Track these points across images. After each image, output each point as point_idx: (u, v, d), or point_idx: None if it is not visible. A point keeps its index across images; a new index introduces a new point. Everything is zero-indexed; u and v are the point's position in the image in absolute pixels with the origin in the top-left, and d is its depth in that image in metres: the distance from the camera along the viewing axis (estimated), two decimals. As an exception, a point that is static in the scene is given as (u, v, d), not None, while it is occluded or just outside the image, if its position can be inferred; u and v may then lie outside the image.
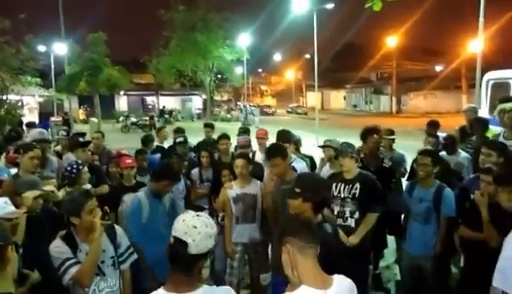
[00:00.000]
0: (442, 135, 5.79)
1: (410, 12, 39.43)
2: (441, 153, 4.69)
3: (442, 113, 34.19)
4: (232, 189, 4.11)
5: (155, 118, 29.19)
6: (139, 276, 3.08)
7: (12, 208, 2.58)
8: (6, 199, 2.59)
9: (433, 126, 6.07)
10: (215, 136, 6.16)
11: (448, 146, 5.03)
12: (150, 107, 37.82)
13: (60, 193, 3.42)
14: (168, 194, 3.79)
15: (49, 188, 3.28)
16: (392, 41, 39.96)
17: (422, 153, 3.89)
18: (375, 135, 4.88)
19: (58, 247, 2.55)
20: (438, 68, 43.00)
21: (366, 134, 4.86)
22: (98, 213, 2.66)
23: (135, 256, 2.92)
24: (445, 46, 38.63)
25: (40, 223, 3.01)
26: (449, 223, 3.59)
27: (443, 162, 4.19)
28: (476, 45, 16.26)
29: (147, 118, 29.17)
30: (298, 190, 2.64)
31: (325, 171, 4.79)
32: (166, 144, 6.55)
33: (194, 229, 1.70)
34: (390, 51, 40.89)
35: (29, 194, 2.87)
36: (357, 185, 3.78)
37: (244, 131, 5.95)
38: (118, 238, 2.83)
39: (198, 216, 1.77)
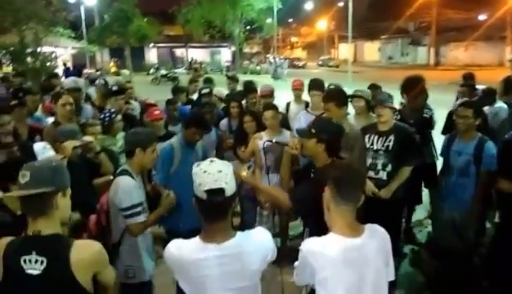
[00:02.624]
0: (481, 87, 5.51)
1: (454, -45, 36.40)
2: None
3: (482, 65, 32.38)
4: (262, 140, 4.09)
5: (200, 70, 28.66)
6: (172, 218, 3.15)
7: (52, 153, 2.67)
8: (45, 144, 2.68)
9: (469, 78, 5.90)
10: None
11: (487, 98, 4.80)
12: (194, 60, 36.63)
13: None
14: (199, 143, 3.82)
15: (88, 138, 3.37)
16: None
17: (463, 104, 3.69)
18: (419, 86, 4.57)
19: (135, 187, 2.58)
20: (482, 17, 40.13)
21: (411, 85, 4.44)
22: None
23: None
24: (490, -8, 35.71)
25: (80, 169, 3.13)
26: (489, 177, 3.46)
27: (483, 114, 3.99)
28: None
29: (176, 71, 29.14)
30: (313, 131, 2.67)
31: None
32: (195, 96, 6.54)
33: (220, 173, 1.69)
34: (430, -1, 38.35)
35: (69, 144, 2.96)
36: (392, 138, 3.66)
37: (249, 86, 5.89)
38: None
39: (211, 161, 1.76)
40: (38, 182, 1.66)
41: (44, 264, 1.64)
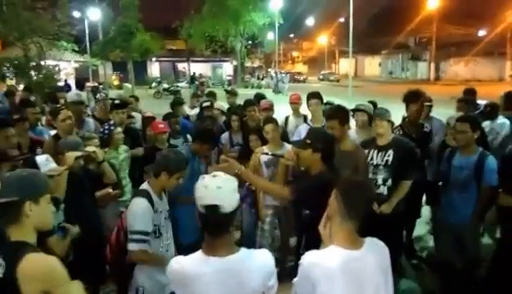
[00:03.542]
0: (482, 102, 5.55)
1: (454, -28, 36.84)
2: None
3: (482, 80, 32.54)
4: (262, 153, 4.10)
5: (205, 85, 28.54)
6: (176, 231, 3.15)
7: (54, 165, 2.68)
8: (47, 156, 2.69)
9: (470, 93, 5.87)
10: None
11: (489, 112, 4.84)
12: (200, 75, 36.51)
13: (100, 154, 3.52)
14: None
15: (90, 149, 3.37)
16: (432, 3, 37.75)
17: (460, 119, 3.71)
18: (420, 100, 4.62)
19: (145, 213, 2.55)
20: (482, 32, 40.47)
21: (411, 98, 4.46)
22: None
23: None
24: (490, 9, 36.01)
25: (81, 180, 3.15)
26: (490, 192, 3.45)
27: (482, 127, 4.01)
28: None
29: (178, 85, 29.38)
30: (308, 141, 2.79)
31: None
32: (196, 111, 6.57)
33: (219, 189, 1.69)
34: (430, 15, 38.73)
35: (71, 155, 2.97)
36: (391, 152, 3.67)
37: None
38: None
39: (214, 176, 1.76)
40: (6, 191, 1.73)
41: (4, 268, 1.66)
